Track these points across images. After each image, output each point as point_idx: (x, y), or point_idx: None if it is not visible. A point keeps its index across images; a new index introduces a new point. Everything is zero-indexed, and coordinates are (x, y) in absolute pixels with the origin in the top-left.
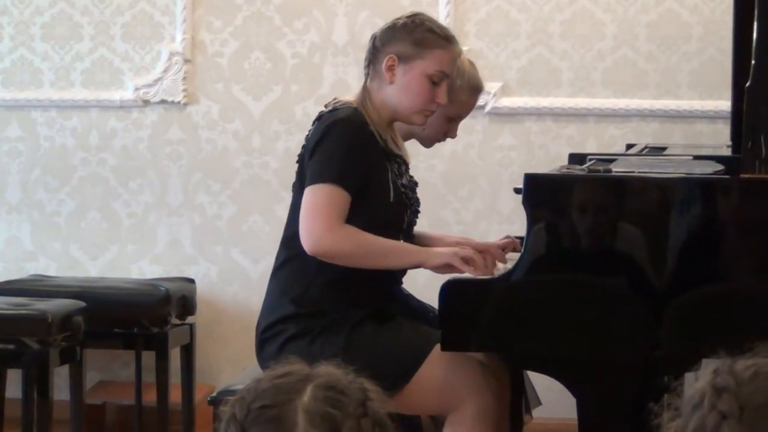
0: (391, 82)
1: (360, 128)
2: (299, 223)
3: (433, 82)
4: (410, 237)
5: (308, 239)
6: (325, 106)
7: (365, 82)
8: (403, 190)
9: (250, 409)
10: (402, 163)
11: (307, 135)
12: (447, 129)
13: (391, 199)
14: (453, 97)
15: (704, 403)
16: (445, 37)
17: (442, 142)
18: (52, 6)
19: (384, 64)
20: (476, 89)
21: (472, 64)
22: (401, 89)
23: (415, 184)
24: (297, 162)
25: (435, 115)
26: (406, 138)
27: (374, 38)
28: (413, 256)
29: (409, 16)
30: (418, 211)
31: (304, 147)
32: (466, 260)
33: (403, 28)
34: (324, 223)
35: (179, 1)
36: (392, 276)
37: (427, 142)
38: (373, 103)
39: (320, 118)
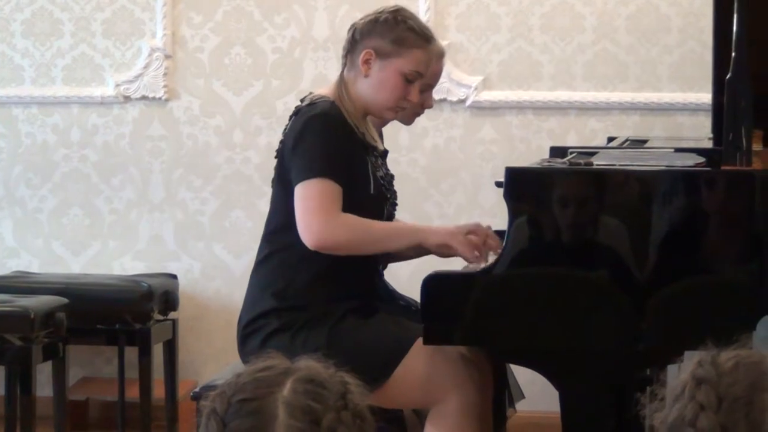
0: (366, 76)
1: (339, 121)
2: (297, 221)
3: (408, 80)
4: None
5: (308, 235)
6: (302, 101)
7: (342, 71)
8: (382, 182)
9: (231, 402)
10: (379, 155)
11: (285, 129)
12: (422, 100)
13: (372, 191)
14: None
15: (684, 393)
16: (425, 37)
17: (420, 115)
18: (33, 2)
19: (361, 57)
20: (440, 54)
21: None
22: (375, 84)
23: (392, 176)
24: (275, 157)
25: None
26: (384, 123)
27: (354, 29)
28: (413, 235)
29: (391, 12)
30: (396, 204)
31: (282, 142)
32: (466, 243)
33: (385, 24)
34: (320, 216)
35: None
36: (374, 269)
37: (407, 119)
38: (348, 94)
39: (297, 112)
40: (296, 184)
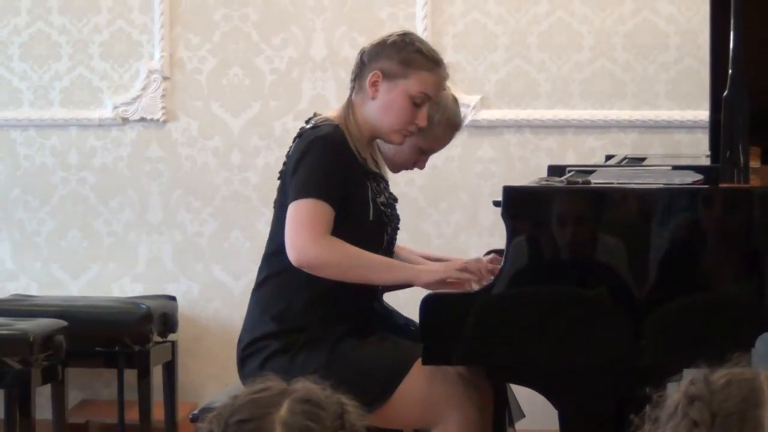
0: (374, 98)
1: (340, 146)
2: (284, 238)
3: (415, 103)
4: (391, 254)
5: (293, 251)
6: (306, 122)
7: (350, 95)
8: (383, 208)
9: (228, 424)
10: (381, 180)
11: (288, 152)
12: (417, 159)
13: (371, 218)
14: (429, 130)
15: (677, 411)
16: (433, 60)
17: (409, 170)
18: (30, 25)
19: (369, 79)
20: (454, 126)
21: (455, 100)
22: (383, 106)
23: (395, 200)
24: (278, 179)
25: (407, 143)
26: (393, 163)
27: (362, 53)
28: (402, 272)
29: (400, 35)
30: (398, 228)
31: (285, 164)
32: (460, 279)
33: (392, 46)
34: (308, 234)
35: (157, 18)
36: (373, 292)
37: (395, 168)
38: (356, 118)
39: (301, 135)
40: (290, 202)
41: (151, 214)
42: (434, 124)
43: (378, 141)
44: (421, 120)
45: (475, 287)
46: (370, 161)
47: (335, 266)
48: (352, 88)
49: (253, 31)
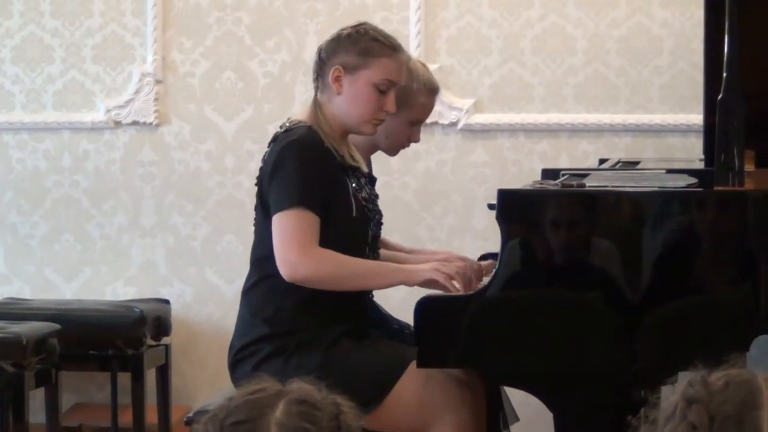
0: (339, 93)
1: (315, 147)
2: (274, 252)
3: (380, 90)
4: (375, 249)
5: (285, 268)
6: (280, 127)
7: (315, 95)
8: (364, 203)
9: (223, 425)
10: (361, 176)
11: (264, 157)
12: (410, 134)
13: (354, 214)
14: (412, 101)
15: (676, 414)
16: (390, 45)
17: (406, 148)
18: (23, 29)
19: (331, 75)
20: (433, 90)
21: (424, 66)
22: (349, 100)
23: (376, 196)
24: (255, 184)
25: (396, 122)
26: (372, 151)
27: (320, 50)
28: (393, 275)
29: (353, 26)
30: (381, 223)
31: (261, 169)
32: (450, 276)
33: (348, 39)
34: (297, 248)
35: (150, 22)
36: (362, 292)
37: (392, 151)
38: (325, 117)
39: (276, 139)
40: (274, 214)
41: (144, 218)
42: (415, 93)
43: (369, 140)
44: (390, 106)
45: (457, 286)
46: (347, 157)
47: (327, 279)
48: (316, 88)
49: (246, 35)
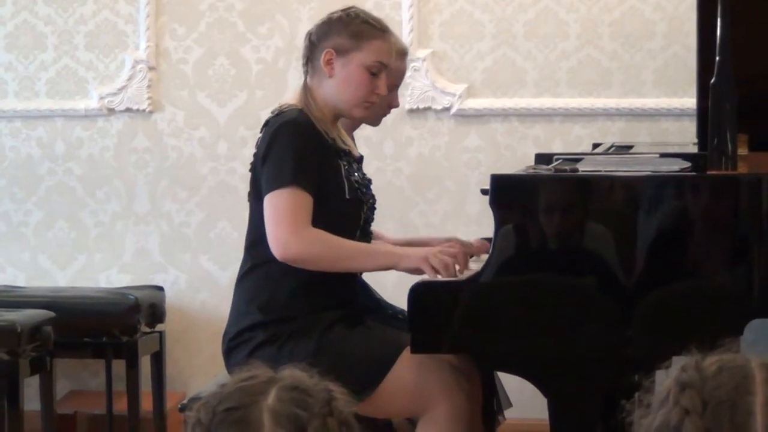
0: (330, 77)
1: (307, 128)
2: (266, 231)
3: (372, 73)
4: (368, 233)
5: (276, 246)
6: (272, 112)
7: (305, 80)
8: (357, 186)
9: (216, 412)
10: (353, 160)
11: (257, 142)
12: (389, 100)
13: (347, 196)
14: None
15: (669, 398)
16: (381, 28)
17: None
18: (15, 16)
19: (322, 59)
20: (404, 53)
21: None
22: (341, 83)
23: (369, 180)
24: (250, 171)
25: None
26: (355, 126)
27: (310, 34)
28: (384, 258)
29: (343, 10)
30: (375, 207)
31: (255, 155)
32: (438, 268)
33: (339, 22)
34: (289, 227)
35: (142, 8)
36: (353, 277)
37: (374, 120)
38: (315, 101)
39: (267, 123)
40: (266, 193)
41: (137, 205)
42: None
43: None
44: (381, 88)
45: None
46: (339, 141)
47: (320, 259)
48: (306, 72)
49: (238, 21)
